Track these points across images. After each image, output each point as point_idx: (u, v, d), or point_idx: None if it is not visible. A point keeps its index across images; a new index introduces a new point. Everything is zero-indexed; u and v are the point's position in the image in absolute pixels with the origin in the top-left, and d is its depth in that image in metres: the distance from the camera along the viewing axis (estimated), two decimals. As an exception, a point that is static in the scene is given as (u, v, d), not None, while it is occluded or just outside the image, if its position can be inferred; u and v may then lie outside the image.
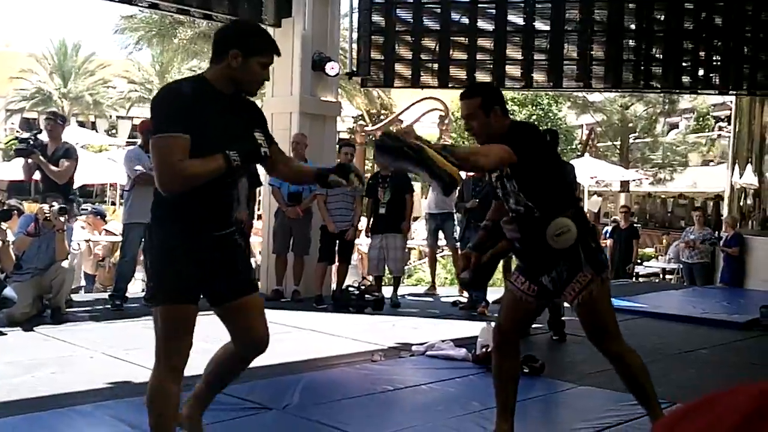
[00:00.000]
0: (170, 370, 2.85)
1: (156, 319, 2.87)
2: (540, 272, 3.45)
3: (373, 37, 9.51)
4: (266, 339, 3.05)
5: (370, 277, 8.73)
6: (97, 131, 31.19)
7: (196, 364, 5.17)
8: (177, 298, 2.83)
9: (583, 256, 3.36)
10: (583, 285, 3.35)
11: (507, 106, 3.52)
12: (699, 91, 11.72)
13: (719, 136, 24.87)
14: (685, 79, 9.85)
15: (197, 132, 2.73)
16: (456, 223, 8.96)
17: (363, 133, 18.81)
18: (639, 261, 13.45)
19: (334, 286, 8.47)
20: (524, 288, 3.50)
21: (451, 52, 9.56)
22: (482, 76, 9.68)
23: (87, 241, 10.01)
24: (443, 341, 5.89)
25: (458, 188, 8.83)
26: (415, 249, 14.23)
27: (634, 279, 12.76)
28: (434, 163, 2.85)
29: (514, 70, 9.65)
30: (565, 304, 6.68)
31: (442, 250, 11.23)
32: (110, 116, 35.03)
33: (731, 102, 15.18)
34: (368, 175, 10.07)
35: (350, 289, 8.16)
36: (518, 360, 3.71)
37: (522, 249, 3.55)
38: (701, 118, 26.90)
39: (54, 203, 6.58)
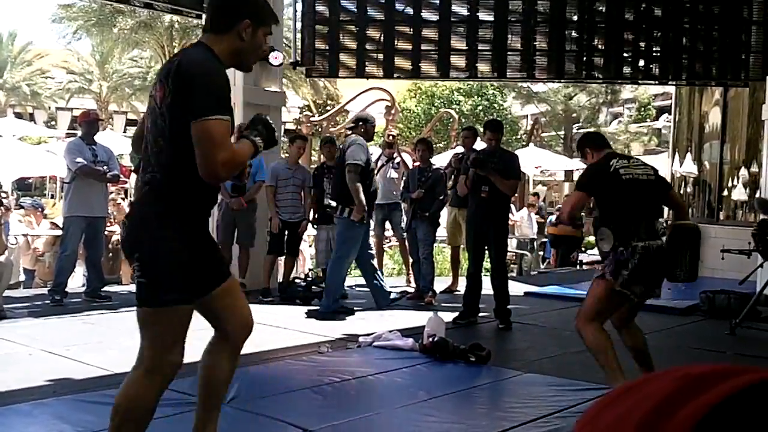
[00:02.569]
0: (171, 368, 2.65)
1: (155, 320, 2.61)
2: None
3: (317, 26, 9.43)
4: (252, 318, 2.94)
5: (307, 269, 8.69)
6: (35, 123, 30.40)
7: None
8: (188, 298, 2.63)
9: None
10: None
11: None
12: (640, 82, 11.89)
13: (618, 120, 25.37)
14: (627, 69, 9.98)
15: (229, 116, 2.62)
16: (403, 213, 8.97)
17: (309, 124, 18.69)
18: (582, 249, 13.66)
19: (280, 278, 8.40)
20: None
21: (395, 43, 9.54)
22: (427, 67, 9.69)
23: (25, 235, 9.76)
24: (390, 332, 5.90)
25: (404, 178, 8.87)
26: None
27: (578, 266, 12.96)
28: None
29: (458, 61, 9.67)
30: (523, 290, 6.77)
31: (390, 240, 11.24)
32: (49, 107, 34.17)
33: (672, 92, 15.50)
34: (314, 166, 10.01)
35: (297, 281, 8.12)
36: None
37: None
38: (642, 108, 27.42)
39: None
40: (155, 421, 3.76)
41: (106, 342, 5.72)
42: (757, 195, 9.97)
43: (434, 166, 8.37)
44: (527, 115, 29.51)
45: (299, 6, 9.65)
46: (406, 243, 8.73)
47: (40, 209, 10.50)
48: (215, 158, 2.50)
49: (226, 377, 2.96)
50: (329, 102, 26.76)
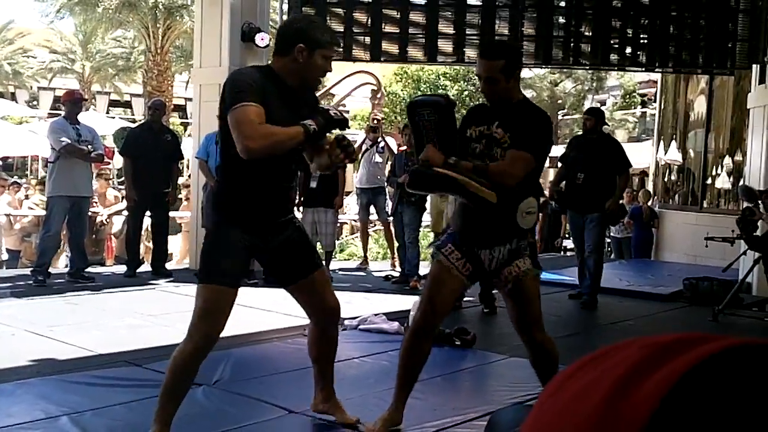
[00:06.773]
0: (204, 338, 3.04)
1: (198, 294, 3.04)
2: (486, 244, 3.32)
3: (303, 8, 9.35)
4: (338, 308, 3.38)
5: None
6: (17, 102, 30.11)
7: (126, 340, 5.07)
8: (224, 281, 3.02)
9: (527, 245, 3.38)
10: (522, 270, 3.35)
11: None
12: (626, 69, 11.93)
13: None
14: (613, 56, 9.98)
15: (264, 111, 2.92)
16: (388, 197, 8.96)
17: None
18: (567, 235, 13.70)
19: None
20: (459, 265, 3.33)
21: (382, 26, 9.48)
22: (414, 51, 9.64)
23: (7, 215, 9.67)
24: (376, 315, 5.91)
25: (390, 162, 8.85)
26: (347, 224, 14.21)
27: (561, 253, 13.01)
28: (470, 188, 3.11)
29: (445, 45, 9.63)
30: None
31: (374, 224, 11.23)
32: (31, 87, 33.80)
33: (657, 80, 15.55)
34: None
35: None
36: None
37: (484, 214, 3.26)
38: (628, 95, 27.50)
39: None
40: (139, 403, 3.76)
41: (90, 323, 5.69)
42: (741, 183, 10.04)
43: (421, 151, 8.34)
44: (513, 101, 29.50)
45: (286, -13, 9.56)
46: (392, 227, 8.73)
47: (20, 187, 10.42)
48: (241, 135, 2.87)
49: (333, 353, 3.50)
50: (315, 85, 26.61)
